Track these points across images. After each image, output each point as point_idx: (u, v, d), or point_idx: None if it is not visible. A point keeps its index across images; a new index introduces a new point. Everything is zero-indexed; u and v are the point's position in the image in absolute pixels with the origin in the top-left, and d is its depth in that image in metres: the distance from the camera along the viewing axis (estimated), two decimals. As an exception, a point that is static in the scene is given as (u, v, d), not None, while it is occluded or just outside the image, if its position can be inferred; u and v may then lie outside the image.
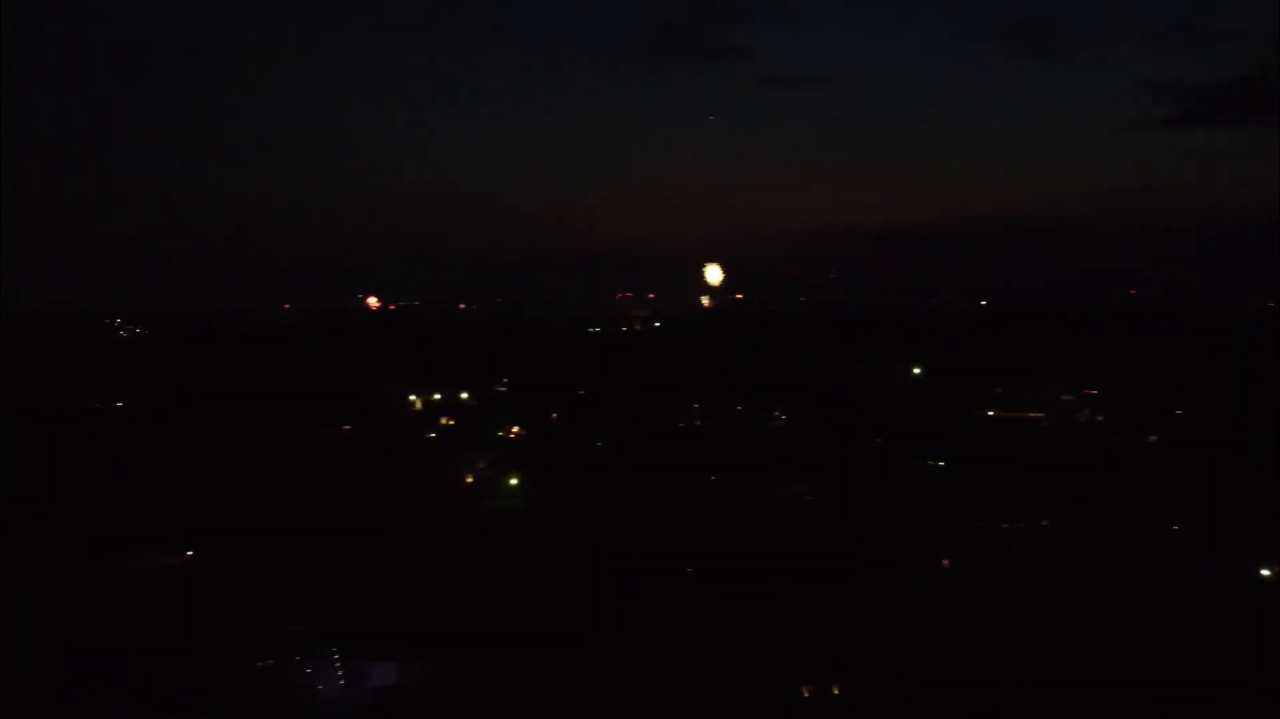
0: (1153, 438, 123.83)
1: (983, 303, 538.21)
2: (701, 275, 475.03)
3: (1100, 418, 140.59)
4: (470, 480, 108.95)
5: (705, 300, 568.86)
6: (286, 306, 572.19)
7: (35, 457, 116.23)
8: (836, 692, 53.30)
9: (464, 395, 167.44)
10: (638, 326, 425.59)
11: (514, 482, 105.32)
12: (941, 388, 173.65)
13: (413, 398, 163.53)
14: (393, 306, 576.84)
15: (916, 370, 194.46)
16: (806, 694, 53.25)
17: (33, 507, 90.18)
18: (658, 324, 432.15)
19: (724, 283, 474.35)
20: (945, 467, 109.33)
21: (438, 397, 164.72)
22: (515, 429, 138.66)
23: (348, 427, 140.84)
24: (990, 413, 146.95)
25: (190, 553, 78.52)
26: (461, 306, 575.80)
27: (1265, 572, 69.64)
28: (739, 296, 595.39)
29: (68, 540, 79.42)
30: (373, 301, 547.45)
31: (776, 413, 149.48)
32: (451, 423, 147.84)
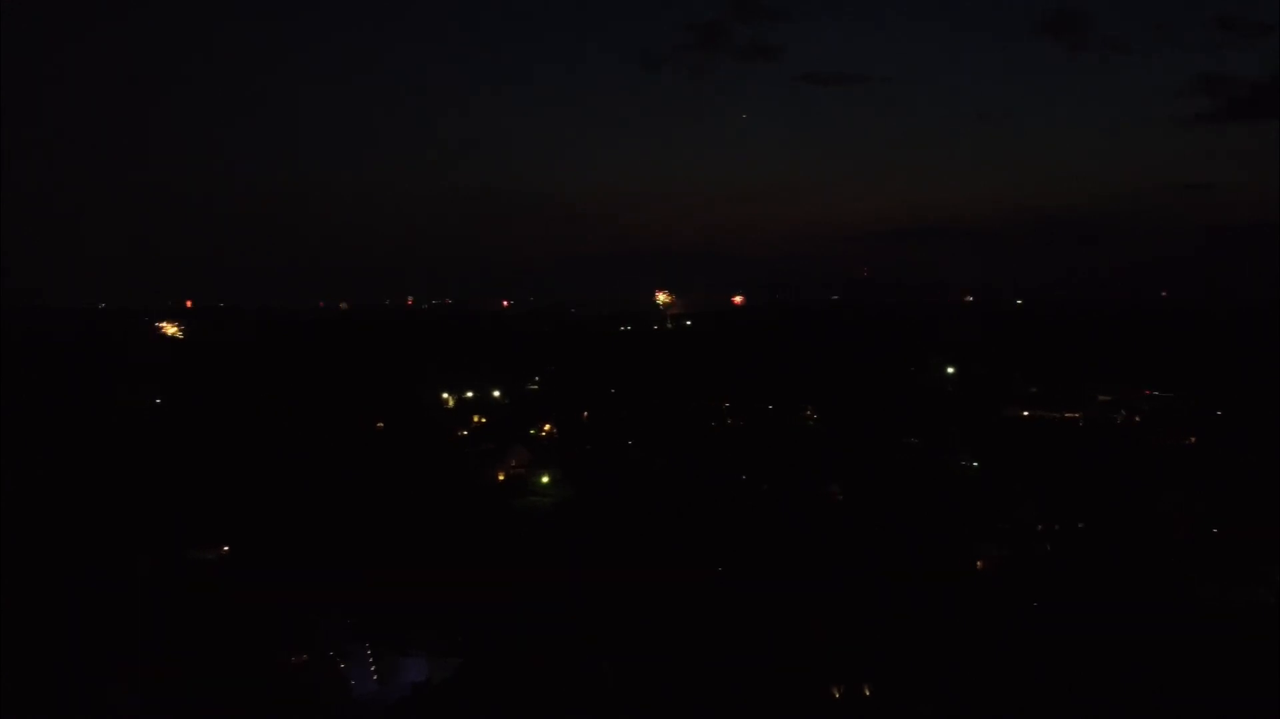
0: (1192, 440, 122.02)
1: (1019, 301, 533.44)
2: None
3: (1138, 418, 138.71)
4: (502, 478, 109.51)
5: (737, 299, 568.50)
6: (343, 305, 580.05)
7: (73, 453, 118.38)
8: (867, 692, 53.09)
9: (496, 393, 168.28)
10: (669, 325, 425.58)
11: (546, 479, 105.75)
12: (976, 387, 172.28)
13: (446, 395, 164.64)
14: (422, 306, 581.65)
15: (950, 369, 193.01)
16: (837, 695, 53.09)
17: (69, 502, 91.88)
18: (689, 322, 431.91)
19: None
20: (979, 467, 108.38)
21: (470, 394, 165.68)
22: (547, 427, 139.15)
23: (382, 423, 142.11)
24: (1025, 413, 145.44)
25: (226, 548, 79.63)
26: (505, 304, 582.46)
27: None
28: (777, 295, 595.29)
29: (105, 535, 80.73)
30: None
31: (809, 412, 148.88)
32: (484, 421, 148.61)
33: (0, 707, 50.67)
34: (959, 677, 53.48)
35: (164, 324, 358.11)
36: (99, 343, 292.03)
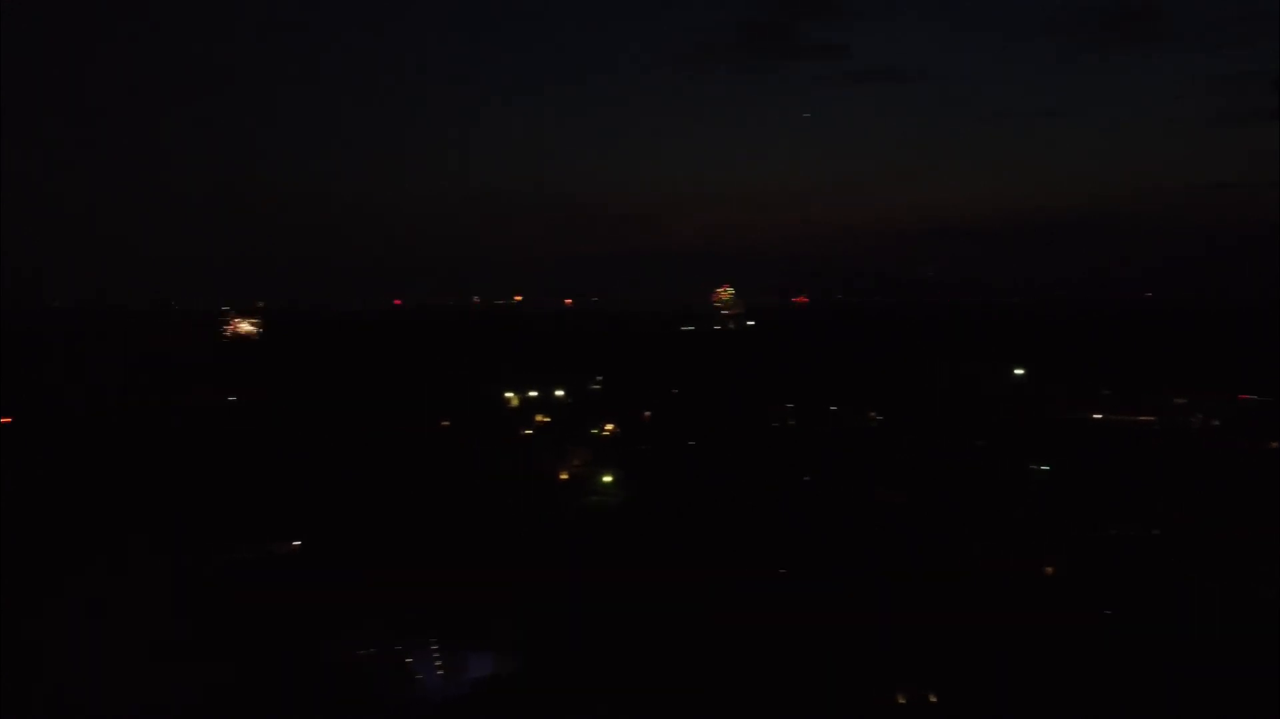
0: (1274, 444, 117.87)
1: (1084, 300, 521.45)
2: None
3: (1216, 422, 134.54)
4: (565, 477, 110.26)
5: (800, 298, 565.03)
6: (397, 302, 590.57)
7: (150, 449, 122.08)
8: (933, 699, 52.33)
9: (559, 392, 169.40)
10: (731, 325, 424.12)
11: (608, 479, 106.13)
12: (1046, 389, 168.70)
13: (509, 394, 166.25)
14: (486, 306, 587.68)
15: (1019, 371, 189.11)
16: (902, 701, 52.43)
17: (146, 497, 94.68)
18: (751, 322, 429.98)
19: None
20: (1050, 471, 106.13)
21: (534, 393, 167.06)
22: (609, 427, 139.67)
23: (447, 422, 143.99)
24: (1098, 416, 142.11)
25: (297, 543, 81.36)
26: (568, 302, 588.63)
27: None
28: (839, 296, 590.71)
29: (180, 531, 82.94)
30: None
31: (872, 413, 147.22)
32: (547, 420, 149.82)
33: (72, 694, 52.40)
34: (1026, 684, 52.41)
35: (237, 323, 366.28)
36: (173, 342, 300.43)
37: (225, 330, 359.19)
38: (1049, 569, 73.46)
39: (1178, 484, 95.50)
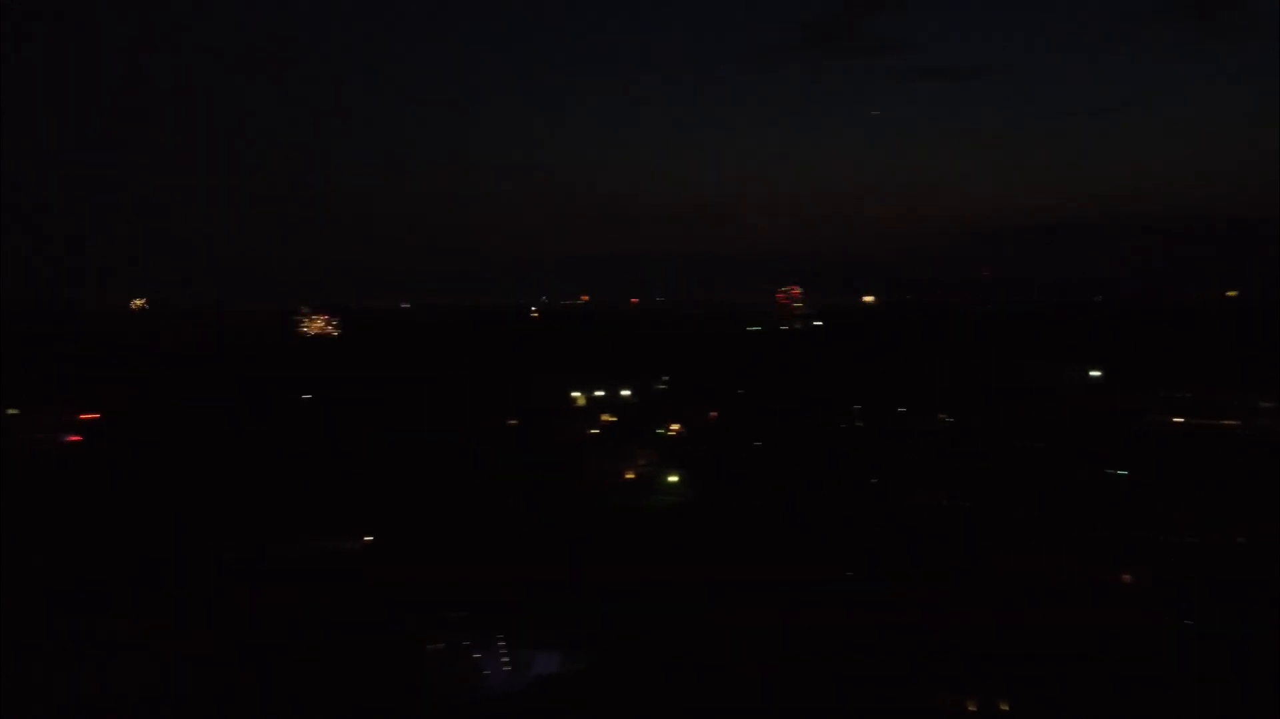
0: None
1: (1161, 301, 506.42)
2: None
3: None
4: (631, 476, 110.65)
5: (867, 298, 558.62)
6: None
7: (226, 445, 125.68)
8: (1004, 708, 51.36)
9: (625, 392, 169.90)
10: (798, 325, 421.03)
11: (673, 479, 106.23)
12: (1123, 392, 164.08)
13: (576, 394, 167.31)
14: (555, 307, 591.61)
15: (1094, 373, 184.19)
16: (973, 709, 51.57)
17: (223, 491, 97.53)
18: (818, 323, 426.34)
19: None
20: (1128, 476, 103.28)
21: (600, 393, 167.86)
22: (675, 427, 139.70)
23: (515, 421, 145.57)
24: (1179, 420, 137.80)
25: (369, 538, 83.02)
26: (634, 301, 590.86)
27: None
28: (908, 296, 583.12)
29: (253, 524, 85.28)
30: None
31: (941, 415, 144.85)
32: (614, 419, 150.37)
33: (157, 680, 54.23)
34: (1102, 696, 51.15)
35: (312, 322, 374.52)
36: (245, 341, 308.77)
37: (301, 329, 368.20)
38: (1126, 577, 71.62)
39: (1262, 491, 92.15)
